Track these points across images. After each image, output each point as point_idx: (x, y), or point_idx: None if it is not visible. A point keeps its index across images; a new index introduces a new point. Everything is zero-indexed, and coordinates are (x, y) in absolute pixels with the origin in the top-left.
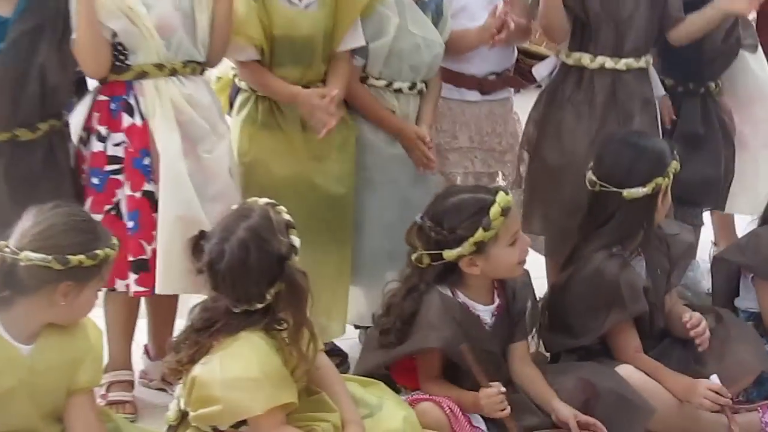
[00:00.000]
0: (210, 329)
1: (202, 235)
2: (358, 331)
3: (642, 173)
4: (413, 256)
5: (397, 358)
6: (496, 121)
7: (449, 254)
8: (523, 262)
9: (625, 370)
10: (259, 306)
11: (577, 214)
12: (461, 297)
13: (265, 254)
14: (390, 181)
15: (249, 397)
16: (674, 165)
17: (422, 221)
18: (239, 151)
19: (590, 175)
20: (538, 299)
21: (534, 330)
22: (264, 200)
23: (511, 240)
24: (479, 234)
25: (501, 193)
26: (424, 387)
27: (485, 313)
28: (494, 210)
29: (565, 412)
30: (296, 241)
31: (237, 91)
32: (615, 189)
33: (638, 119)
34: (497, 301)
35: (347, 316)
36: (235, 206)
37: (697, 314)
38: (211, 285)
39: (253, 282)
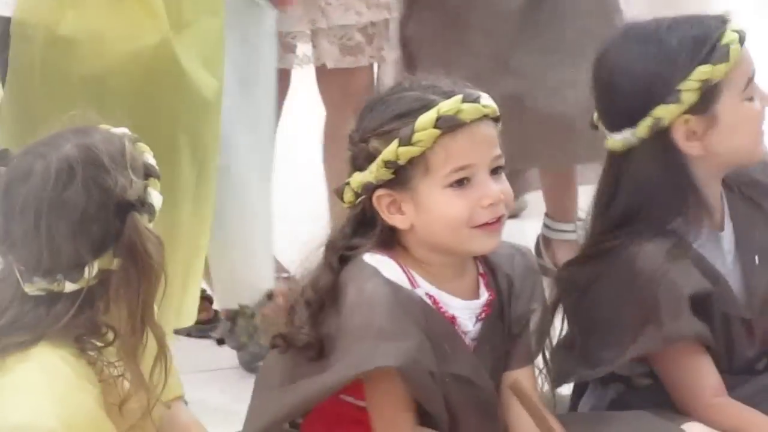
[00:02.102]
0: None
1: None
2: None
3: (633, 99)
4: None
5: (318, 400)
6: None
7: (356, 180)
8: (486, 225)
9: (694, 430)
10: (71, 287)
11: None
12: (423, 284)
13: (99, 190)
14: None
15: None
16: (733, 50)
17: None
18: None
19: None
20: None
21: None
22: (121, 130)
23: (454, 176)
24: (391, 149)
25: (456, 98)
26: None
27: (464, 314)
28: (425, 117)
29: None
30: (156, 197)
31: None
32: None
33: None
34: (485, 295)
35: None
36: None
37: None
38: None
39: (69, 233)
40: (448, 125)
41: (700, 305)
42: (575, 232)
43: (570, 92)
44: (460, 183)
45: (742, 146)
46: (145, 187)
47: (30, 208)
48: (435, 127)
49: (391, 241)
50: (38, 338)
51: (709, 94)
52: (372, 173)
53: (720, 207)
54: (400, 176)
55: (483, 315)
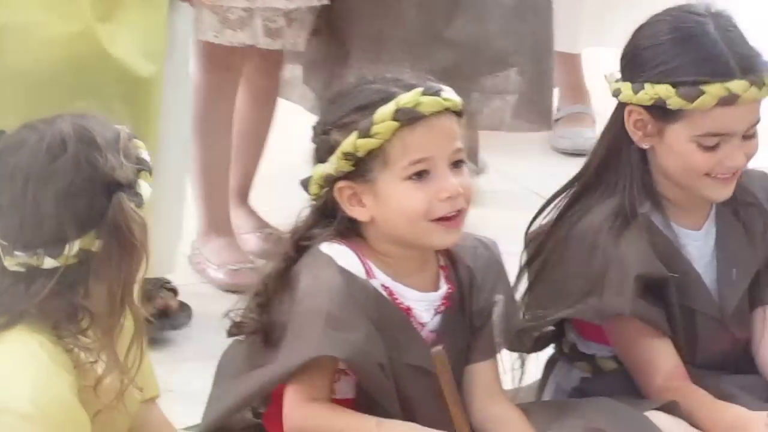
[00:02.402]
0: None
1: None
2: None
3: (623, 58)
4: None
5: (271, 387)
6: None
7: (318, 171)
8: (444, 219)
9: (659, 420)
10: (50, 263)
11: None
12: (379, 275)
13: (88, 166)
14: None
15: None
16: (703, 100)
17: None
18: None
19: None
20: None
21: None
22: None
23: (412, 169)
24: (350, 141)
25: (416, 90)
26: (300, 412)
27: (420, 305)
28: (384, 109)
29: None
30: (145, 188)
31: None
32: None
33: None
34: (445, 287)
35: None
36: None
37: None
38: None
39: (53, 204)
40: (407, 117)
41: (656, 290)
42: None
43: (513, 59)
44: (419, 175)
45: (675, 174)
46: (136, 175)
47: (18, 177)
48: (393, 119)
49: (349, 232)
50: (16, 320)
51: (664, 111)
52: (332, 165)
53: (703, 210)
54: (359, 168)
55: (442, 307)
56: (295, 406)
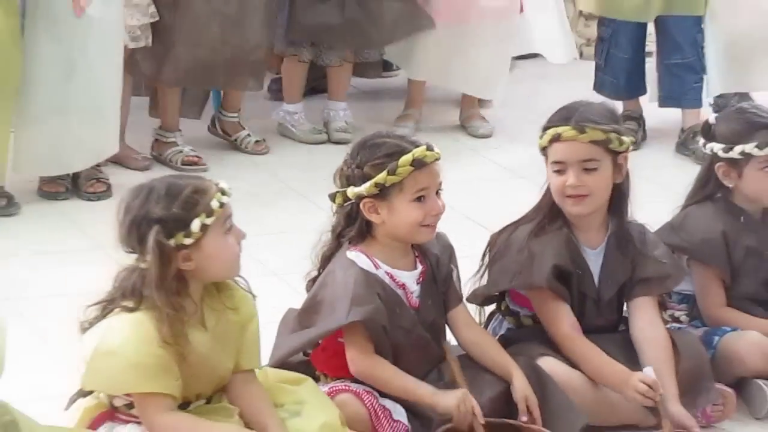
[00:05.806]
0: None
1: None
2: None
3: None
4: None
5: (316, 341)
6: None
7: (352, 191)
8: (429, 225)
9: (547, 363)
10: (137, 263)
11: None
12: (382, 265)
13: (145, 203)
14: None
15: (111, 372)
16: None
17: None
18: None
19: None
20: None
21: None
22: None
23: (416, 195)
24: (382, 176)
25: (422, 147)
26: (366, 361)
27: (410, 280)
28: (405, 157)
29: (520, 391)
30: (196, 225)
31: None
32: None
33: None
34: (420, 267)
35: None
36: None
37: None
38: None
39: (127, 224)
40: (419, 164)
41: (563, 278)
42: None
43: None
44: (420, 199)
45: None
46: (195, 217)
47: (123, 207)
48: (411, 165)
49: (366, 230)
50: (139, 298)
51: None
52: (365, 188)
53: (598, 237)
54: (381, 192)
55: (420, 279)
56: (361, 355)
